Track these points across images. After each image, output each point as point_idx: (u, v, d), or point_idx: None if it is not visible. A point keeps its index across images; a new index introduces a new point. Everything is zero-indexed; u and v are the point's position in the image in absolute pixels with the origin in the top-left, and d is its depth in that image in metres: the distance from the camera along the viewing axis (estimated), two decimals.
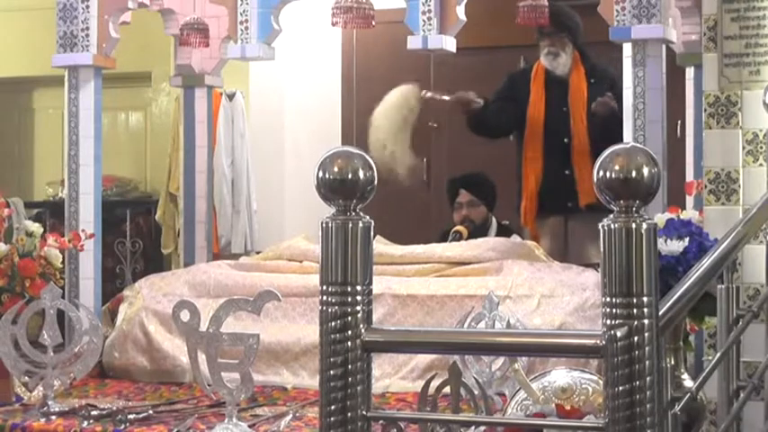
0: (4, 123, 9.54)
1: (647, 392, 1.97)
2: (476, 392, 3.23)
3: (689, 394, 2.50)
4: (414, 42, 5.12)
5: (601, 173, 2.01)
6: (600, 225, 2.02)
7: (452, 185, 6.58)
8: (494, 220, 6.45)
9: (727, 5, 3.99)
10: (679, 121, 5.81)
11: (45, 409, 4.16)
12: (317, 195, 2.18)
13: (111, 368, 5.03)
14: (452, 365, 3.17)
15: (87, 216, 5.29)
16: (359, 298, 2.15)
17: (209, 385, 3.76)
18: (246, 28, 5.35)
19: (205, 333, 3.71)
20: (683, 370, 3.46)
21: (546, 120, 6.13)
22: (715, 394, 3.19)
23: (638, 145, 2.13)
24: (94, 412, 4.08)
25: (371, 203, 2.18)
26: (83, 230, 5.11)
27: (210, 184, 6.24)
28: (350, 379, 2.13)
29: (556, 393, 3.21)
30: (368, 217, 2.18)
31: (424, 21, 5.05)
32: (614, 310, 1.99)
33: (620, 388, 1.98)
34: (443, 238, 6.13)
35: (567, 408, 3.13)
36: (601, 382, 3.03)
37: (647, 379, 1.98)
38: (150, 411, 4.14)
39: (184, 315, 3.72)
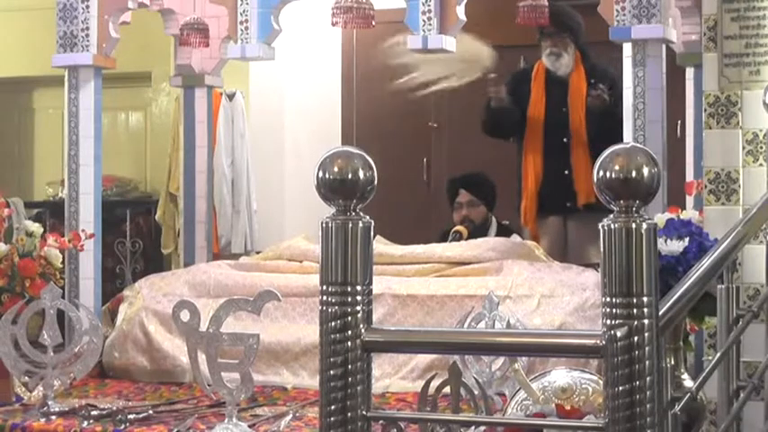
0: (4, 123, 9.53)
1: (647, 392, 1.97)
2: (476, 392, 3.23)
3: (689, 394, 2.50)
4: (414, 42, 5.12)
5: (601, 173, 2.01)
6: (600, 225, 2.02)
7: (452, 185, 6.58)
8: (494, 219, 6.46)
9: (727, 5, 3.99)
10: (679, 121, 5.81)
11: (45, 409, 4.16)
12: (317, 195, 2.18)
13: (111, 368, 5.03)
14: (452, 365, 3.17)
15: (87, 216, 5.29)
16: (359, 298, 2.15)
17: (209, 385, 3.76)
18: (246, 28, 5.35)
19: (205, 333, 3.71)
20: (683, 370, 3.46)
21: (546, 120, 6.13)
22: (715, 394, 3.19)
23: (638, 145, 2.13)
24: (94, 412, 4.08)
25: (371, 203, 2.18)
26: (83, 230, 5.11)
27: (210, 184, 6.24)
28: (350, 379, 2.13)
29: (556, 393, 3.21)
30: (368, 217, 2.18)
31: (423, 21, 5.05)
32: (614, 310, 1.99)
33: (620, 388, 1.98)
34: (443, 238, 6.13)
35: (567, 408, 3.13)
36: (601, 382, 3.03)
37: (647, 379, 1.98)
38: (150, 411, 4.14)
39: (184, 315, 3.72)
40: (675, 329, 3.35)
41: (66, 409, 4.20)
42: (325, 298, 2.16)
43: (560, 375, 3.27)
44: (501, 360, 4.00)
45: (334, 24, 5.24)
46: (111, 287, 6.30)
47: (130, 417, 4.00)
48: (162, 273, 5.70)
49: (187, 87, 6.13)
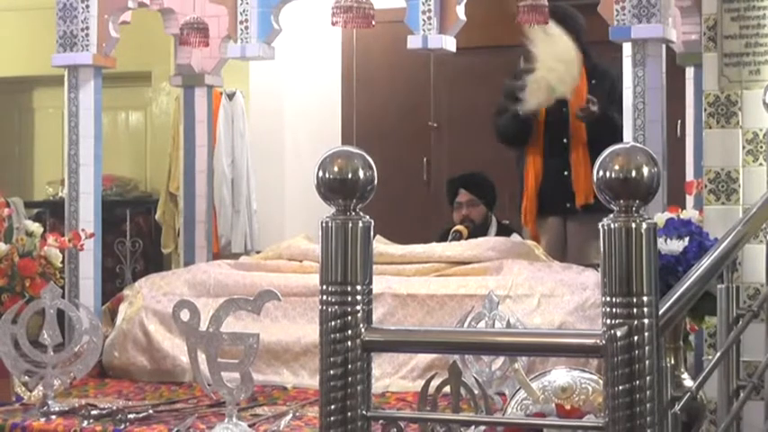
0: (4, 123, 9.54)
1: (647, 392, 1.97)
2: (476, 392, 3.23)
3: (689, 394, 2.50)
4: (414, 42, 5.12)
5: (601, 172, 2.01)
6: (600, 225, 2.02)
7: (452, 185, 6.58)
8: (494, 219, 6.46)
9: (727, 5, 3.98)
10: (679, 121, 5.81)
11: (45, 408, 4.16)
12: (317, 195, 2.18)
13: (110, 368, 5.03)
14: (452, 365, 3.17)
15: (87, 216, 5.29)
16: (359, 297, 2.15)
17: (209, 385, 3.75)
18: (246, 27, 5.35)
19: (205, 333, 3.71)
20: (682, 369, 3.46)
21: (546, 120, 6.13)
22: (715, 394, 3.19)
23: (638, 144, 2.13)
24: (94, 412, 4.08)
25: (371, 203, 2.18)
26: (83, 230, 5.11)
27: (210, 183, 6.24)
28: (350, 378, 2.13)
29: (556, 393, 3.21)
30: (368, 217, 2.18)
31: (424, 20, 5.05)
32: (614, 310, 2.00)
33: (620, 387, 1.98)
34: (443, 237, 6.14)
35: (567, 407, 3.13)
36: (601, 381, 3.03)
37: (647, 378, 1.98)
38: (150, 411, 4.14)
39: (184, 314, 3.72)
40: (675, 329, 3.36)
41: (66, 408, 4.20)
42: (325, 297, 2.16)
43: (560, 375, 3.27)
44: (501, 360, 4.00)
45: (334, 24, 5.24)
46: (111, 287, 6.30)
47: (130, 416, 4.00)
48: (162, 272, 5.70)
49: (187, 87, 6.13)
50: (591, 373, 3.27)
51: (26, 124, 9.60)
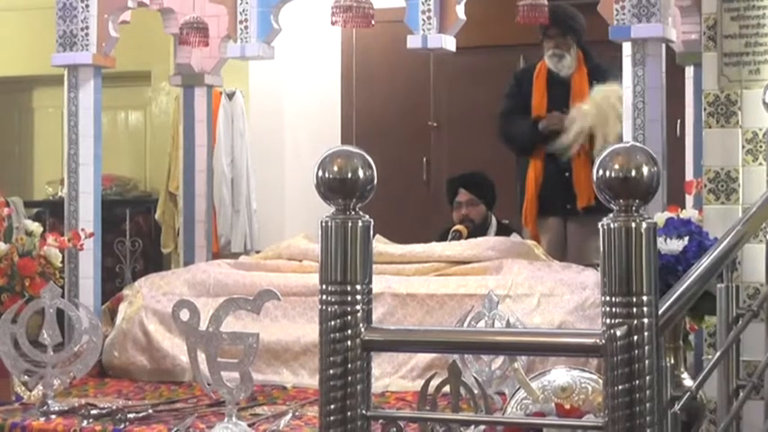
0: (4, 123, 9.53)
1: (647, 391, 1.97)
2: (475, 391, 3.23)
3: (688, 393, 2.50)
4: (413, 41, 5.12)
5: (600, 172, 2.01)
6: (600, 224, 2.02)
7: (452, 185, 6.58)
8: (493, 219, 6.46)
9: (727, 4, 3.98)
10: (679, 120, 5.81)
11: (45, 408, 4.16)
12: (317, 194, 2.18)
13: (110, 367, 5.03)
14: (452, 364, 3.17)
15: (87, 215, 5.29)
16: (358, 297, 2.15)
17: (208, 384, 3.75)
18: (246, 27, 5.35)
19: (205, 332, 3.71)
20: (682, 369, 3.46)
21: (534, 119, 6.13)
22: (715, 393, 3.19)
23: (638, 144, 2.13)
24: (94, 411, 4.08)
25: (371, 203, 2.18)
26: (82, 230, 5.11)
27: (210, 183, 6.24)
28: (349, 378, 2.13)
29: (555, 392, 3.21)
30: (367, 216, 2.18)
31: (423, 20, 5.05)
32: (614, 309, 1.99)
33: (620, 387, 1.98)
34: (443, 237, 6.14)
35: (567, 407, 3.13)
36: (600, 381, 3.03)
37: (647, 378, 1.98)
38: (150, 410, 4.13)
39: (184, 314, 3.72)
40: (675, 328, 3.36)
41: (66, 408, 4.20)
42: (324, 297, 2.16)
43: (560, 374, 3.27)
44: (501, 359, 4.00)
45: (333, 23, 5.24)
46: (111, 286, 6.31)
47: (130, 416, 4.00)
48: (162, 272, 5.70)
49: (187, 86, 6.13)
50: (590, 373, 3.27)
51: (26, 124, 9.60)
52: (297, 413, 4.14)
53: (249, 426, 3.78)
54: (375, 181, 2.16)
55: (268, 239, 7.53)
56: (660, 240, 3.48)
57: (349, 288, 2.14)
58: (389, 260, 5.18)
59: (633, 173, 1.99)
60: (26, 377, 4.34)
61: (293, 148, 8.32)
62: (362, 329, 2.14)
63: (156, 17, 6.07)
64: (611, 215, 2.02)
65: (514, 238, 5.93)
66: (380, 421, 2.62)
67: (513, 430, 3.27)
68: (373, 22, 5.25)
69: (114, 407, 4.15)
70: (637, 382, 1.97)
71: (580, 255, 5.87)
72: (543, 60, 6.22)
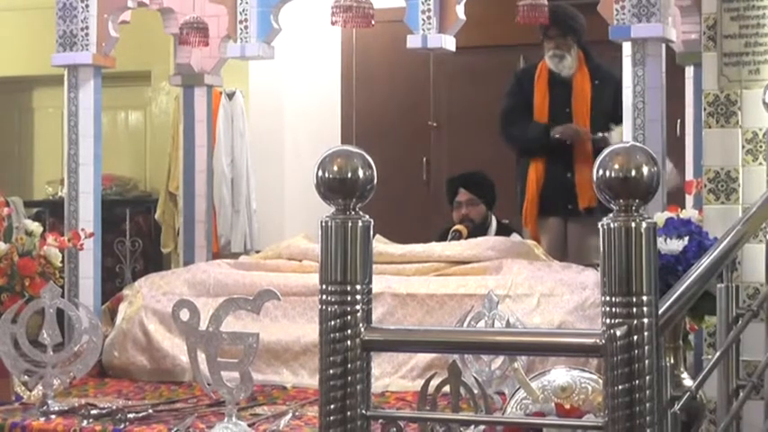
0: (4, 123, 9.53)
1: (647, 391, 1.97)
2: (475, 391, 3.23)
3: (688, 393, 2.50)
4: (413, 41, 5.12)
5: (600, 172, 2.01)
6: (600, 224, 2.02)
7: (452, 184, 6.58)
8: (493, 218, 6.45)
9: (727, 4, 3.98)
10: (679, 120, 5.81)
11: (44, 408, 4.16)
12: (317, 194, 2.18)
13: (110, 367, 5.03)
14: (452, 364, 3.17)
15: (87, 215, 5.29)
16: (358, 297, 2.15)
17: (208, 384, 3.75)
18: (246, 27, 5.35)
19: (205, 332, 3.70)
20: (682, 369, 3.46)
21: (549, 121, 6.13)
22: (714, 393, 3.19)
23: (638, 144, 2.13)
24: (94, 411, 4.08)
25: (371, 203, 2.18)
26: (82, 229, 5.11)
27: (210, 183, 6.24)
28: (349, 378, 2.13)
29: (555, 392, 3.21)
30: (367, 216, 2.18)
31: (423, 20, 5.05)
32: (614, 309, 1.99)
33: (620, 387, 1.98)
34: (443, 237, 6.13)
35: (567, 407, 3.13)
36: (600, 381, 3.03)
37: (647, 378, 1.98)
38: (150, 410, 4.13)
39: (184, 314, 3.72)
40: (675, 328, 3.36)
41: (66, 408, 4.20)
42: (324, 297, 2.16)
43: (560, 374, 3.27)
44: (500, 359, 4.00)
45: (333, 23, 5.24)
46: (111, 286, 6.30)
47: (130, 416, 3.99)
48: (162, 272, 5.70)
49: (187, 86, 6.13)
50: (590, 373, 3.26)
51: (26, 124, 9.60)
52: (297, 413, 4.14)
53: (249, 426, 3.78)
54: (375, 181, 2.16)
55: (268, 239, 7.54)
56: (660, 240, 3.48)
57: (349, 288, 2.14)
58: (389, 260, 5.18)
59: (633, 173, 1.99)
60: (26, 377, 4.34)
61: (293, 148, 8.32)
62: (362, 329, 2.14)
63: (156, 17, 6.07)
64: (610, 215, 2.02)
65: (514, 238, 5.93)
66: (380, 421, 2.62)
67: (513, 430, 3.27)
68: (373, 22, 5.25)
69: (114, 407, 4.15)
70: (637, 382, 1.97)
71: (580, 255, 5.87)
72: (544, 60, 6.22)
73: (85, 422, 4.01)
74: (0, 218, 4.69)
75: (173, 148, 7.85)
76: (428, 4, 5.03)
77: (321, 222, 2.16)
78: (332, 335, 2.14)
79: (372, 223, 2.18)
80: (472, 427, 3.25)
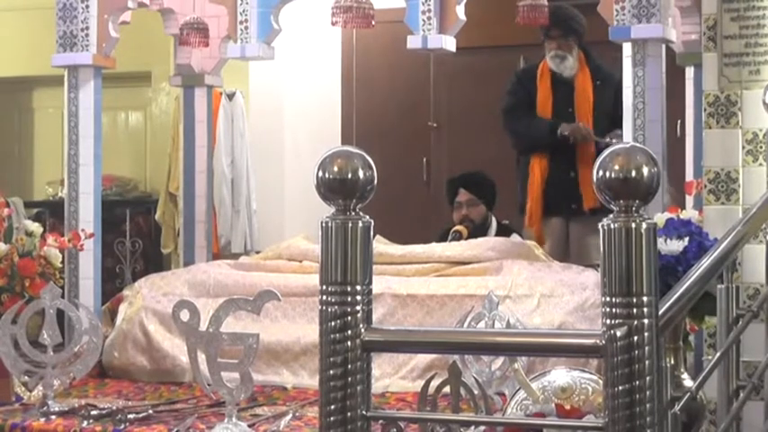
0: (4, 123, 9.53)
1: (647, 392, 1.97)
2: (476, 392, 3.23)
3: (688, 394, 2.50)
4: (413, 42, 5.12)
5: (600, 172, 2.01)
6: (600, 225, 2.02)
7: (452, 185, 6.58)
8: (493, 219, 6.45)
9: (727, 5, 3.98)
10: (679, 121, 5.81)
11: (45, 408, 4.16)
12: (317, 195, 2.18)
13: (110, 368, 5.03)
14: (452, 365, 3.17)
15: (87, 216, 5.29)
16: (359, 298, 2.14)
17: (208, 385, 3.75)
18: (246, 27, 5.35)
19: (205, 333, 3.70)
20: (682, 369, 3.45)
21: (552, 120, 6.13)
22: (715, 394, 3.19)
23: (638, 144, 2.13)
24: (94, 412, 4.08)
25: (371, 203, 2.18)
26: (82, 230, 5.11)
27: (210, 183, 6.24)
28: (349, 379, 2.13)
29: (555, 393, 3.21)
30: (368, 217, 2.18)
31: (423, 20, 5.05)
32: (614, 310, 1.99)
33: (620, 387, 1.98)
34: (443, 237, 6.13)
35: (567, 407, 3.13)
36: (600, 381, 3.03)
37: (647, 379, 1.98)
38: (150, 411, 4.13)
39: (184, 315, 3.72)
40: (675, 329, 3.35)
41: (66, 408, 4.20)
42: (324, 298, 2.16)
43: (560, 375, 3.27)
44: (501, 360, 4.00)
45: (333, 24, 5.24)
46: (111, 287, 6.30)
47: (130, 416, 4.00)
48: (162, 272, 5.70)
49: (187, 87, 6.13)
50: (591, 374, 3.26)
51: (26, 124, 9.60)
52: (297, 414, 4.14)
53: (249, 426, 3.78)
54: (375, 181, 2.16)
55: (268, 240, 7.54)
56: (660, 241, 3.48)
57: (349, 289, 2.14)
58: (389, 261, 5.18)
59: (633, 173, 1.99)
60: (26, 377, 4.34)
61: (293, 149, 8.32)
62: (362, 330, 2.14)
63: (156, 17, 6.07)
64: (611, 216, 2.02)
65: (514, 238, 5.93)
66: (380, 422, 2.62)
67: (513, 431, 3.27)
68: (373, 23, 5.25)
69: (114, 407, 4.15)
70: (637, 382, 1.97)
71: (582, 255, 5.87)
72: (545, 61, 6.22)
73: (85, 423, 4.01)
74: (0, 218, 4.69)
75: (173, 148, 7.85)
76: (428, 5, 5.03)
77: (321, 223, 2.16)
78: (332, 335, 2.14)
79: (372, 224, 2.18)
80: (472, 427, 3.24)
